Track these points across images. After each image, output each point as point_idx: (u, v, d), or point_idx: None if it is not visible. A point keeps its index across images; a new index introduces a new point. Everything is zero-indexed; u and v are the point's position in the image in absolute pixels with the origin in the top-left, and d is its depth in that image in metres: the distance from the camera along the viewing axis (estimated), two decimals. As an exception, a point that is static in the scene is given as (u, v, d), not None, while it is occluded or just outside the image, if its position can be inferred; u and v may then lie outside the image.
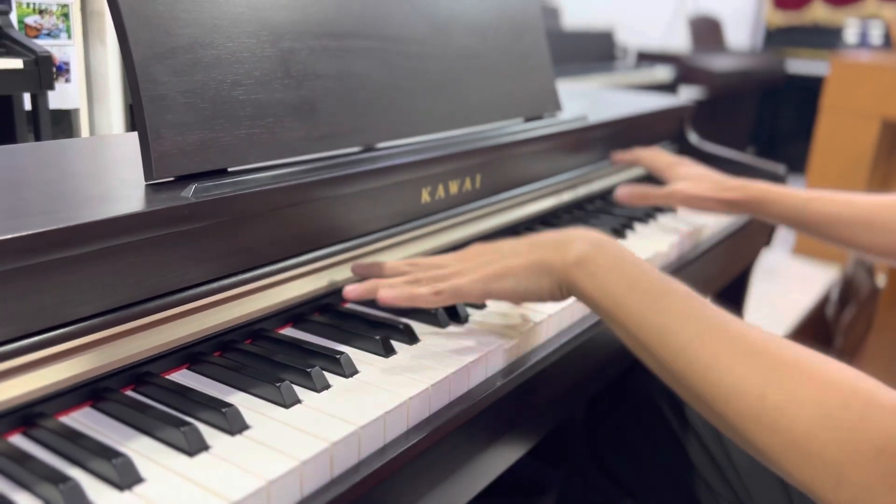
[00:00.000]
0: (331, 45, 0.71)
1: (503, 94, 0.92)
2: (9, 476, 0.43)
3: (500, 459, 0.62)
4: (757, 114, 4.58)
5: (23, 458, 0.44)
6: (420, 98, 0.79)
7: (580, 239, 0.59)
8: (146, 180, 0.57)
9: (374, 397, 0.53)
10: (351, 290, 0.61)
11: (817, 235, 0.90)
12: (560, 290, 0.59)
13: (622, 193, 0.99)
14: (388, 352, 0.60)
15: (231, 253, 0.58)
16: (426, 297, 0.59)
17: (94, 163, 0.69)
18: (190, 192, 0.55)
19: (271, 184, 0.60)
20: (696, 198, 0.95)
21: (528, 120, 0.97)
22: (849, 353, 2.13)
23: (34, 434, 0.47)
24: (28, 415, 0.48)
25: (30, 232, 0.45)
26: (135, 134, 0.80)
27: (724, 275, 1.14)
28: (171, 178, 0.58)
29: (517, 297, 0.61)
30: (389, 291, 0.59)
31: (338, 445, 0.47)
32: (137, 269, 0.52)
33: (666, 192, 0.97)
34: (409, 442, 0.51)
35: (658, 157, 1.06)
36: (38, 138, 2.77)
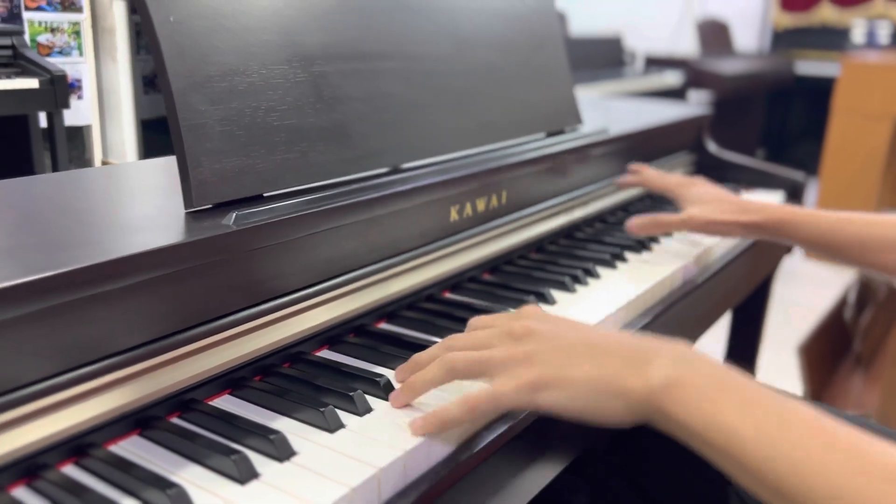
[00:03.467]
0: (359, 66, 0.71)
1: (525, 109, 0.93)
2: (65, 507, 0.44)
3: (540, 477, 0.62)
4: (766, 116, 4.57)
5: (77, 488, 0.44)
6: (446, 116, 0.80)
7: (662, 356, 0.48)
8: (186, 208, 0.57)
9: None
10: (394, 400, 0.55)
11: (848, 260, 0.85)
12: (634, 417, 0.49)
13: (635, 224, 0.94)
14: (427, 373, 0.60)
15: (269, 278, 0.59)
16: (460, 418, 0.51)
17: (129, 191, 0.70)
18: (231, 219, 0.55)
19: (308, 209, 0.60)
20: (715, 222, 0.90)
21: (549, 134, 0.98)
22: (868, 357, 2.13)
23: (86, 464, 0.48)
24: (79, 445, 0.48)
25: (78, 266, 0.46)
26: (159, 160, 0.81)
27: (748, 284, 1.14)
28: (209, 206, 0.59)
29: (571, 415, 0.50)
30: (419, 425, 0.51)
31: (385, 471, 0.47)
32: (181, 297, 0.53)
33: (682, 218, 0.92)
34: (452, 464, 0.52)
35: (665, 177, 1.02)
36: (53, 156, 2.79)
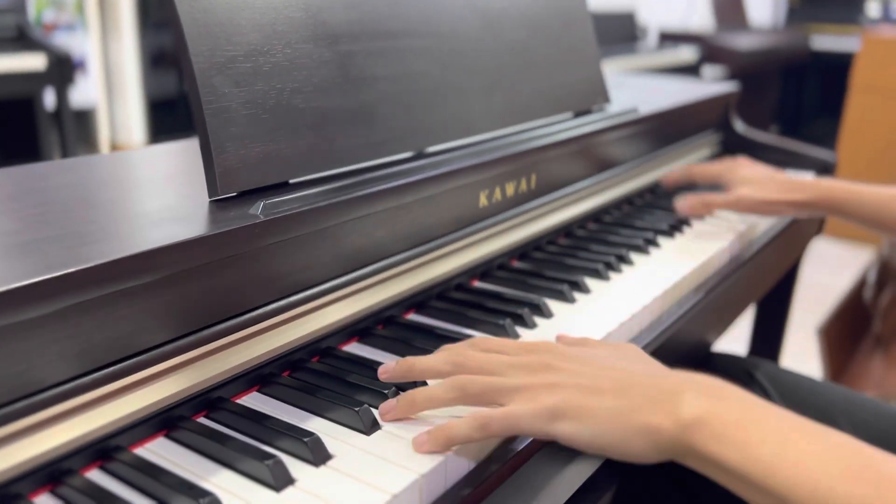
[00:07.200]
0: (387, 45, 0.68)
1: (553, 88, 0.89)
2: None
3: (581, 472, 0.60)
4: (780, 91, 4.50)
5: (103, 495, 0.42)
6: (474, 96, 0.77)
7: (690, 390, 0.45)
8: (210, 196, 0.54)
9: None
10: (386, 413, 0.50)
11: None
12: (661, 455, 0.45)
13: (683, 206, 0.94)
14: (462, 368, 0.57)
15: (298, 270, 0.56)
16: (468, 436, 0.47)
17: (149, 178, 0.67)
18: (259, 209, 0.52)
19: (338, 196, 0.57)
20: (765, 202, 0.90)
21: (577, 114, 0.94)
22: (888, 338, 2.10)
23: (112, 468, 0.45)
24: (104, 448, 0.46)
25: (102, 261, 0.43)
26: (175, 144, 0.78)
27: (776, 271, 1.10)
28: (234, 194, 0.56)
29: (592, 450, 0.46)
30: (423, 440, 0.47)
31: (427, 476, 0.45)
32: (207, 292, 0.50)
33: (732, 199, 0.92)
34: (489, 470, 0.49)
35: (709, 166, 1.01)
36: (62, 138, 2.74)
